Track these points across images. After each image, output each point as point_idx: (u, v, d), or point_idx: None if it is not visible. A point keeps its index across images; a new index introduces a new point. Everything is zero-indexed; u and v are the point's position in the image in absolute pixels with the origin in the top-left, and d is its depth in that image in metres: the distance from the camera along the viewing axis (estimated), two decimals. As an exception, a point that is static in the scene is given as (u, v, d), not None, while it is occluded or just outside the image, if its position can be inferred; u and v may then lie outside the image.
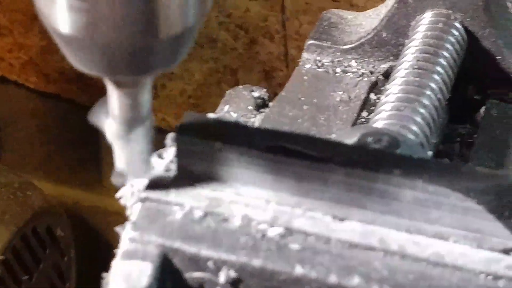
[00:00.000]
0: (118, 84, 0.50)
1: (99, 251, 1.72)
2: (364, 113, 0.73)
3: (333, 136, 0.62)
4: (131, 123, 0.52)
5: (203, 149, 0.54)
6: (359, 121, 0.72)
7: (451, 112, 0.75)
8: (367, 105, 0.73)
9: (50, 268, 1.48)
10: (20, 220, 1.41)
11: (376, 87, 0.75)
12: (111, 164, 0.55)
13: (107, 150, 0.55)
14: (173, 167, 0.55)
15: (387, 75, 0.73)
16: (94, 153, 1.68)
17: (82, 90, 1.67)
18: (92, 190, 1.74)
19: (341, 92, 0.72)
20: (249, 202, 0.54)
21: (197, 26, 0.49)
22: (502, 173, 0.52)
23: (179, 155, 0.54)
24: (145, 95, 0.51)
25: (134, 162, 0.54)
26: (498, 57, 0.72)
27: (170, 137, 0.55)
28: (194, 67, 1.60)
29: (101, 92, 0.53)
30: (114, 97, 0.51)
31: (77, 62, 0.49)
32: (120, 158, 0.54)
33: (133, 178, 0.55)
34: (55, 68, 1.66)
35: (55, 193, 1.66)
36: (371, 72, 0.74)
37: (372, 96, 0.74)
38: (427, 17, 0.72)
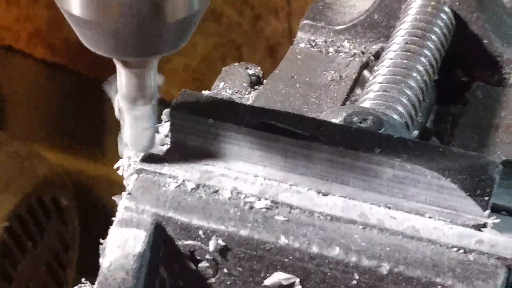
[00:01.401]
0: (126, 64, 0.54)
1: (103, 220, 1.76)
2: (359, 91, 0.75)
3: (323, 114, 0.65)
4: (137, 100, 0.55)
5: (196, 125, 0.57)
6: (352, 98, 0.75)
7: (442, 93, 0.78)
8: (362, 83, 0.76)
9: (54, 236, 1.52)
10: (26, 189, 1.44)
11: (368, 67, 0.77)
12: (114, 135, 0.59)
13: (111, 121, 0.58)
14: (168, 141, 0.58)
15: (378, 55, 0.76)
16: (99, 124, 1.71)
17: (88, 61, 1.70)
18: (96, 160, 1.77)
19: (333, 72, 0.75)
20: (239, 176, 0.57)
21: (202, 11, 0.52)
22: (475, 154, 0.55)
23: (174, 130, 0.57)
24: (151, 75, 0.55)
25: (139, 137, 0.57)
26: (485, 41, 0.75)
27: (165, 113, 0.59)
28: (199, 41, 1.63)
29: (107, 64, 0.56)
30: (122, 76, 0.54)
31: (88, 42, 0.52)
32: (126, 132, 0.57)
33: (138, 152, 0.58)
34: (62, 39, 1.68)
35: (60, 163, 1.69)
36: (363, 53, 0.77)
37: (367, 74, 0.77)
38: (418, 0, 0.75)
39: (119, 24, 0.50)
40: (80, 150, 1.79)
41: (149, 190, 0.56)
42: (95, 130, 1.75)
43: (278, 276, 0.54)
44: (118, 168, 0.59)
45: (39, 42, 1.73)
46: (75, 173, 1.76)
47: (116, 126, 0.58)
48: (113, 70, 0.56)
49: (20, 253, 1.42)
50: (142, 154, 0.58)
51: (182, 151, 0.58)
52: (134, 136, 0.57)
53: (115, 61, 0.54)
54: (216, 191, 0.56)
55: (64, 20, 0.52)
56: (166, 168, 0.57)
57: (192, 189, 0.56)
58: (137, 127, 0.57)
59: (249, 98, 0.73)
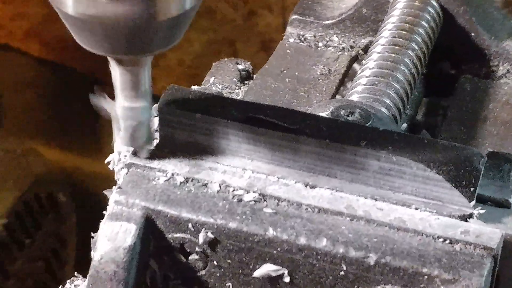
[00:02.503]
0: (120, 62, 0.54)
1: (100, 217, 1.76)
2: (349, 84, 0.76)
3: (311, 108, 0.65)
4: (132, 98, 0.56)
5: (184, 119, 0.58)
6: (342, 92, 0.76)
7: (431, 87, 0.79)
8: (352, 76, 0.76)
9: (51, 232, 1.52)
10: (22, 186, 1.45)
11: (357, 61, 0.78)
12: (110, 131, 0.59)
13: (107, 118, 0.59)
14: (157, 136, 0.59)
15: (367, 49, 0.76)
16: (95, 121, 1.71)
17: (83, 59, 1.70)
18: (92, 156, 1.78)
19: (322, 66, 0.75)
20: (227, 169, 0.58)
21: (195, 9, 0.53)
22: (460, 145, 0.56)
23: (162, 125, 0.58)
24: (145, 72, 0.55)
25: (135, 134, 0.58)
26: (472, 34, 0.76)
27: (154, 108, 0.59)
28: (193, 37, 1.63)
29: (101, 61, 0.57)
30: (117, 73, 0.55)
31: (82, 41, 0.53)
32: (122, 129, 0.58)
33: (135, 149, 0.59)
34: (57, 37, 1.69)
35: (56, 159, 1.70)
36: (352, 47, 0.78)
37: (358, 68, 0.77)
38: (405, -5, 0.75)
39: (113, 23, 0.50)
40: (76, 147, 1.80)
41: (138, 184, 0.57)
42: (91, 127, 1.76)
43: (267, 268, 0.55)
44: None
45: (34, 40, 1.74)
46: (71, 170, 1.77)
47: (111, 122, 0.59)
48: (108, 68, 0.56)
49: (18, 250, 1.42)
50: (132, 149, 0.58)
51: (171, 145, 0.58)
52: (130, 133, 0.58)
53: (109, 59, 0.55)
54: (205, 185, 0.57)
55: (59, 17, 0.53)
56: (155, 162, 0.58)
57: (181, 182, 0.57)
58: (132, 123, 0.57)
59: (239, 93, 0.74)
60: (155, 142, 0.59)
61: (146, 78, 0.56)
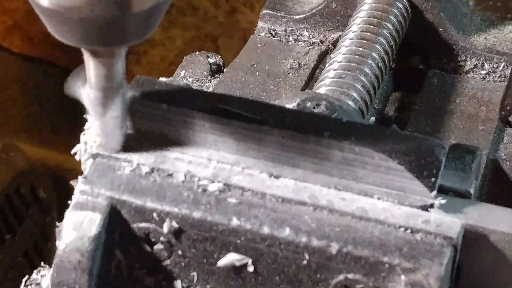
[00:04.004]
0: (94, 54, 0.55)
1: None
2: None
3: (279, 101, 0.66)
4: (106, 90, 0.56)
5: (151, 110, 0.58)
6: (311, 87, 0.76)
7: (400, 81, 0.80)
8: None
9: (33, 227, 1.52)
10: (4, 180, 1.45)
11: (327, 56, 0.79)
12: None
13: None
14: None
15: (336, 44, 0.77)
16: (77, 116, 1.72)
17: (66, 54, 1.70)
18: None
19: (292, 60, 0.76)
20: (192, 159, 0.58)
21: (169, 1, 0.53)
22: (421, 136, 0.56)
23: (129, 115, 0.58)
24: (120, 64, 0.56)
25: (109, 127, 0.58)
26: (440, 29, 0.77)
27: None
28: (175, 34, 1.64)
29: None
30: (90, 65, 0.55)
31: (56, 32, 0.53)
32: (95, 122, 0.58)
33: (107, 142, 0.59)
34: (40, 32, 1.69)
35: (38, 155, 1.70)
36: (322, 42, 0.78)
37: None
38: (374, -11, 0.76)
39: (86, 14, 0.51)
40: (58, 142, 1.80)
41: (104, 174, 0.57)
42: (73, 122, 1.76)
43: (231, 257, 0.56)
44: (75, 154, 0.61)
45: (17, 36, 1.74)
46: (53, 166, 1.77)
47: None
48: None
49: (-1, 243, 1.43)
50: (98, 139, 0.59)
51: (137, 136, 0.59)
52: (103, 125, 0.58)
53: (83, 50, 0.55)
54: (170, 175, 0.57)
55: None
56: (121, 153, 0.58)
57: (146, 173, 0.58)
58: (106, 116, 0.58)
59: (209, 87, 0.74)
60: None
61: (120, 70, 0.56)
